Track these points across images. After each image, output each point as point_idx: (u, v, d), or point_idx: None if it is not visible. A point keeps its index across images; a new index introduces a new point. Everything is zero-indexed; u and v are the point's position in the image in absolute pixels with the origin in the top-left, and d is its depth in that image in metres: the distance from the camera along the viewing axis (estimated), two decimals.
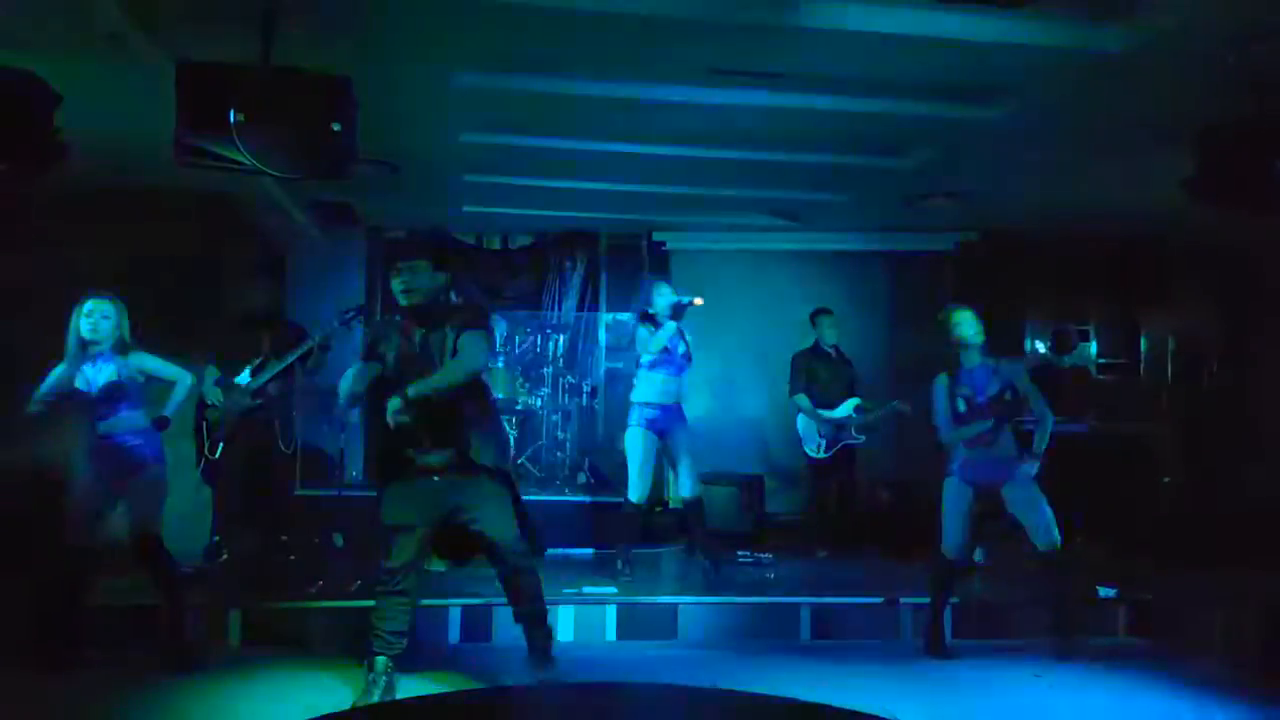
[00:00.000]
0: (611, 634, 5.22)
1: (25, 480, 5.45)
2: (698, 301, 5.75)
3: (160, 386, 4.67)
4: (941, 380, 4.91)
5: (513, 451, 7.81)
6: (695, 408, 6.50)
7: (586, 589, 5.38)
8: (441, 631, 5.06)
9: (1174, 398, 8.21)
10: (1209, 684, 4.51)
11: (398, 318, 4.08)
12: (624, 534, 5.99)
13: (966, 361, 4.90)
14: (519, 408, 8.02)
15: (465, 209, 7.40)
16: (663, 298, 5.84)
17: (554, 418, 8.43)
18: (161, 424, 4.60)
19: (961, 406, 4.86)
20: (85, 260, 5.75)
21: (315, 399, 6.14)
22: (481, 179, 6.52)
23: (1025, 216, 7.54)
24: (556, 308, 8.79)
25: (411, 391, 3.77)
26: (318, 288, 7.51)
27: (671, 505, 7.26)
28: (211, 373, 5.77)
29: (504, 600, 4.24)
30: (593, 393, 8.54)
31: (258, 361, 5.74)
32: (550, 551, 6.60)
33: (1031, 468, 4.83)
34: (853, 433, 6.92)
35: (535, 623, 4.16)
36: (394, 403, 3.76)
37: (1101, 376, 8.38)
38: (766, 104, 4.90)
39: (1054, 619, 5.00)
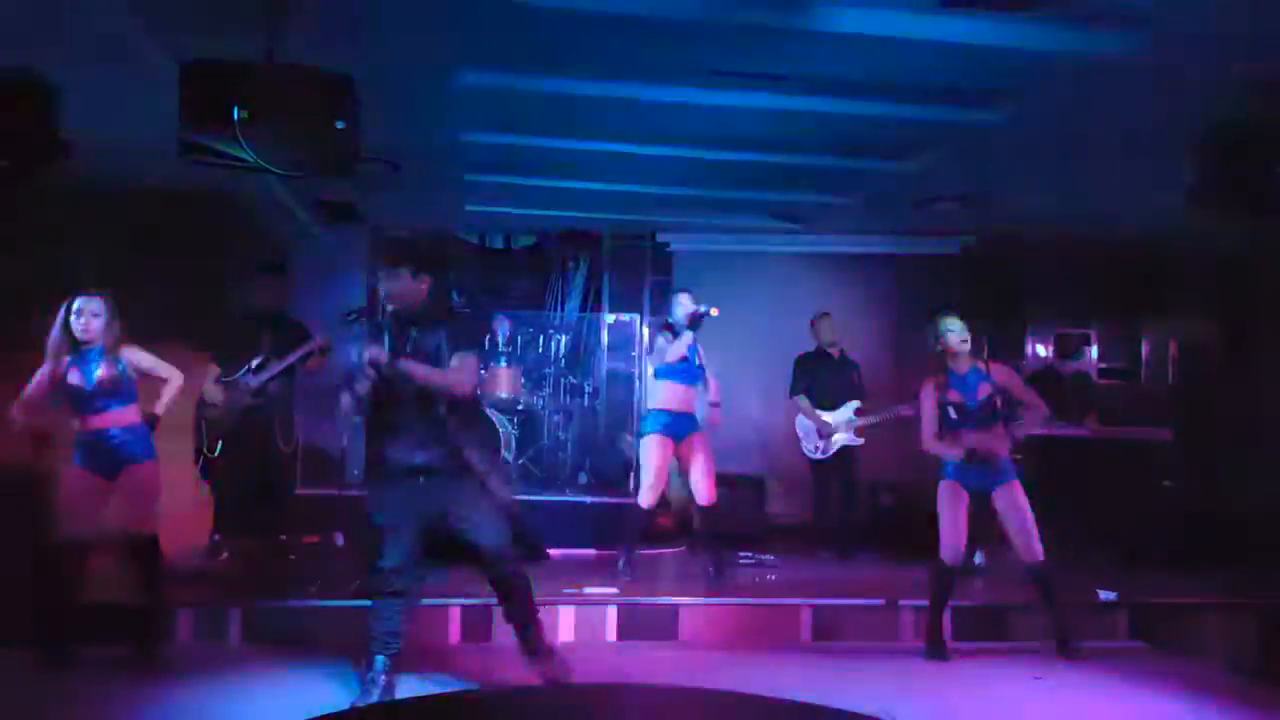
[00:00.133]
0: (612, 634, 5.22)
1: (17, 476, 5.47)
2: (714, 312, 5.75)
3: (152, 384, 4.68)
4: (929, 389, 4.94)
5: (514, 451, 7.82)
6: (698, 409, 6.48)
7: (587, 589, 5.37)
8: (441, 631, 5.05)
9: (1175, 403, 8.20)
10: (1209, 688, 4.51)
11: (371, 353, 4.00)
12: (628, 535, 5.98)
13: (956, 368, 4.93)
14: (520, 407, 8.02)
15: (468, 208, 7.39)
16: (681, 308, 5.86)
17: (555, 418, 8.44)
18: (153, 421, 4.61)
19: (953, 413, 4.88)
20: (87, 258, 5.75)
21: (316, 399, 6.14)
22: (484, 178, 6.52)
23: (1029, 220, 7.53)
24: (559, 308, 8.79)
25: (401, 364, 3.84)
26: (320, 286, 7.50)
27: (674, 508, 7.27)
28: (212, 371, 5.77)
29: None
30: (594, 393, 8.54)
31: (259, 360, 5.74)
32: (551, 551, 6.65)
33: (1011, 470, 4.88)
34: (852, 434, 6.93)
35: (525, 624, 4.15)
36: (377, 352, 3.82)
37: (1103, 381, 8.38)
38: (770, 106, 4.90)
39: (1045, 626, 5.03)
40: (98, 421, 4.43)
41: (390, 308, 4.06)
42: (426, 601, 4.75)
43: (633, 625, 5.24)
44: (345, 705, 3.88)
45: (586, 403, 8.53)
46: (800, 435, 7.04)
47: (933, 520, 4.96)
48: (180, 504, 5.55)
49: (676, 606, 5.32)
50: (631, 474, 8.20)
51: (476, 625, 5.09)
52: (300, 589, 5.25)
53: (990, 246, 8.42)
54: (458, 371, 3.96)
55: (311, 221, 7.56)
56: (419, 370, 3.89)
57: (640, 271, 8.82)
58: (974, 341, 5.01)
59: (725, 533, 6.21)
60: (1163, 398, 8.30)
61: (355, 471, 7.61)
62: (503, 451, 7.60)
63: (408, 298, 4.02)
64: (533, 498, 7.29)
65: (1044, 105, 4.78)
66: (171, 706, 3.97)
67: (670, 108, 4.94)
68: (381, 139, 5.16)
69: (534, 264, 8.83)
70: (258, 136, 3.64)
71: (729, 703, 2.68)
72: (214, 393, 5.71)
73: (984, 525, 5.12)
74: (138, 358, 4.58)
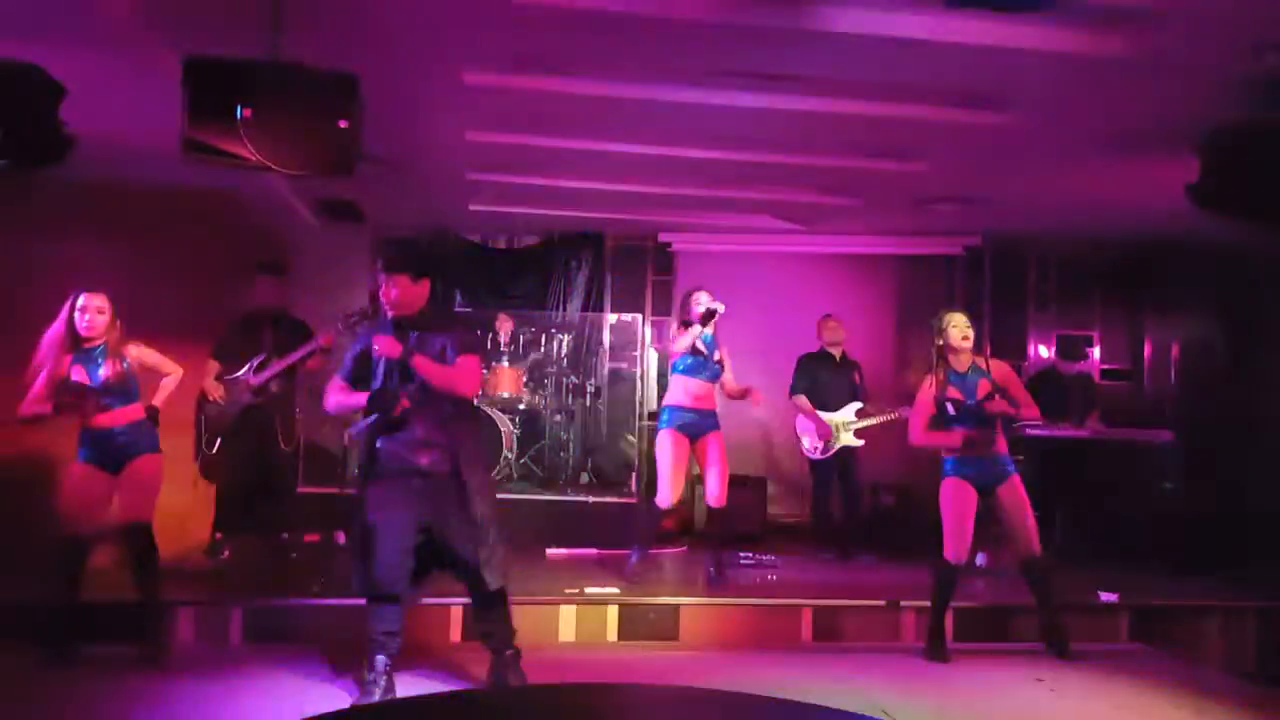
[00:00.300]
0: (612, 634, 5.22)
1: (22, 474, 5.47)
2: (720, 307, 5.74)
3: (155, 378, 4.70)
4: (928, 384, 4.94)
5: (516, 451, 7.82)
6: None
7: (587, 589, 5.37)
8: (441, 631, 5.05)
9: (1177, 404, 8.20)
10: (1210, 690, 4.51)
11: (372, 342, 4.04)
12: (641, 535, 5.95)
13: (957, 365, 4.93)
14: (522, 407, 8.03)
15: (471, 207, 7.40)
16: (696, 305, 5.83)
17: (557, 417, 8.44)
18: (154, 413, 4.63)
19: (951, 410, 4.89)
20: (89, 255, 5.76)
21: (317, 398, 6.14)
22: (487, 178, 6.52)
23: (1032, 221, 7.53)
24: (561, 308, 8.79)
25: (414, 359, 3.84)
26: (322, 285, 7.49)
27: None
28: (211, 368, 5.78)
29: None
30: (596, 393, 8.54)
31: (260, 359, 5.75)
32: (552, 551, 6.66)
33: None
34: (851, 435, 6.93)
35: (492, 633, 4.11)
36: (395, 345, 3.83)
37: (1105, 382, 8.38)
38: (774, 107, 4.89)
39: (1042, 621, 5.03)
40: (103, 420, 4.43)
41: (391, 314, 4.03)
42: (426, 601, 4.76)
43: (633, 625, 5.24)
44: (345, 705, 3.89)
45: (588, 403, 8.54)
46: (800, 435, 7.04)
47: (935, 522, 4.96)
48: (181, 502, 5.56)
49: (677, 606, 5.32)
50: (633, 474, 8.22)
51: None
52: (301, 588, 5.25)
53: (992, 247, 8.42)
54: (464, 371, 3.96)
55: (314, 220, 7.57)
56: (431, 368, 3.89)
57: (642, 271, 8.84)
58: (975, 340, 5.01)
59: (726, 533, 6.20)
60: (1164, 400, 8.31)
61: (356, 471, 7.59)
62: (505, 451, 7.60)
63: (409, 302, 4.01)
64: (534, 497, 7.30)
65: (1049, 106, 4.78)
66: (171, 705, 3.96)
67: (675, 107, 4.93)
68: (385, 138, 5.16)
69: (536, 264, 8.83)
70: (260, 135, 3.64)
71: (729, 703, 2.68)
72: (214, 390, 5.72)
73: (985, 527, 5.12)
74: (142, 354, 4.59)
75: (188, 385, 5.00)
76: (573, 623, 5.18)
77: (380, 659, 3.92)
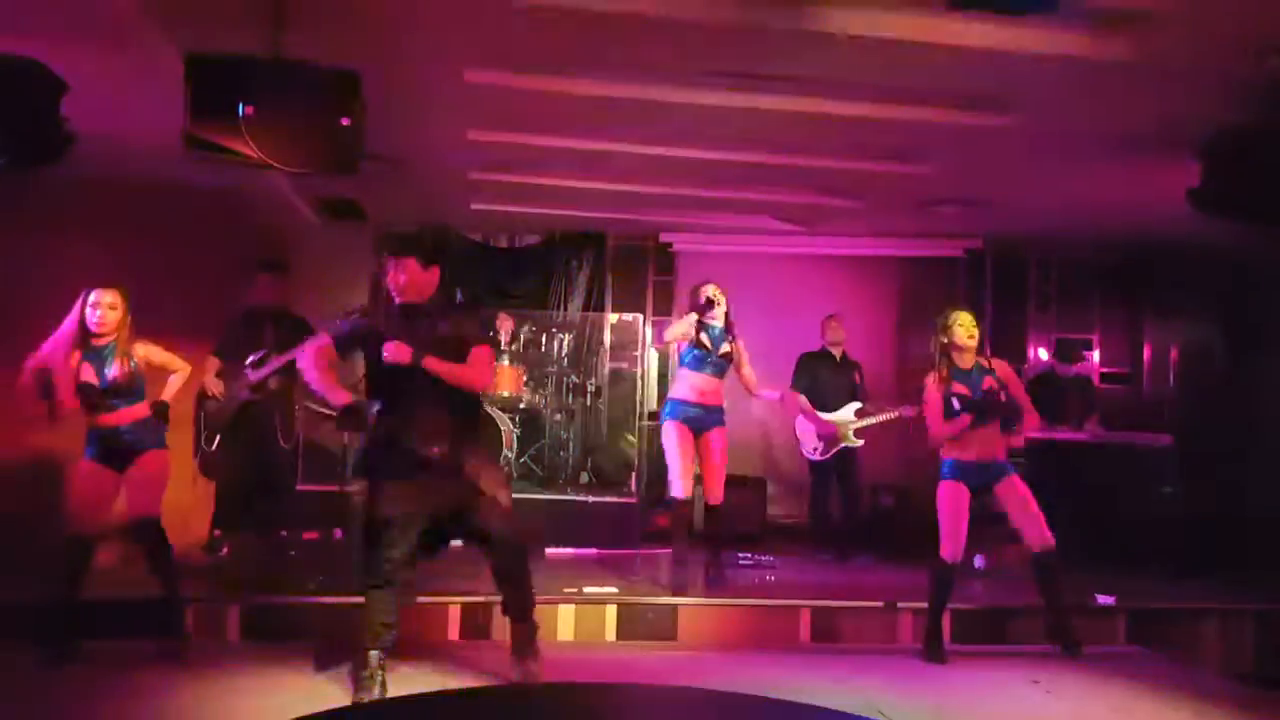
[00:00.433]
0: (612, 634, 5.22)
1: (29, 470, 5.46)
2: (718, 299, 5.72)
3: (159, 376, 4.69)
4: (933, 381, 4.93)
5: (516, 450, 7.82)
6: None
7: (587, 589, 5.38)
8: (440, 629, 5.05)
9: (1176, 408, 8.20)
10: (1207, 693, 4.51)
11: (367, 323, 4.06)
12: (677, 533, 5.83)
13: (961, 363, 4.93)
14: (523, 406, 8.02)
15: (472, 206, 7.40)
16: (700, 297, 5.81)
17: (557, 417, 8.44)
18: (163, 409, 4.62)
19: (956, 405, 4.88)
20: (90, 251, 5.76)
21: (317, 396, 6.14)
22: (489, 176, 6.52)
23: (1033, 224, 7.53)
24: (562, 307, 8.79)
25: (426, 362, 3.83)
26: (323, 283, 7.49)
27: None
28: (211, 364, 5.78)
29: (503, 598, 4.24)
30: (597, 393, 8.54)
31: (259, 355, 5.75)
32: (552, 551, 6.65)
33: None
34: (851, 435, 6.93)
35: (522, 616, 4.18)
36: (404, 350, 3.82)
37: (1104, 385, 8.38)
38: (775, 108, 4.90)
39: (1049, 621, 5.02)
40: (111, 418, 4.44)
41: (399, 300, 4.03)
42: (426, 599, 4.77)
43: (631, 625, 5.24)
44: (344, 702, 3.89)
45: (589, 402, 8.53)
46: (800, 436, 7.04)
47: (934, 524, 4.96)
48: (180, 498, 5.56)
49: (676, 606, 5.32)
50: (633, 474, 8.22)
51: (475, 623, 5.09)
52: (300, 585, 5.26)
53: (993, 250, 8.42)
54: (477, 364, 3.96)
55: (315, 218, 7.57)
56: (444, 368, 3.88)
57: (643, 271, 8.83)
58: (978, 341, 5.00)
59: (725, 533, 6.19)
60: (1163, 403, 8.31)
61: (361, 456, 7.58)
62: (505, 450, 7.60)
63: (418, 288, 4.00)
64: (534, 496, 7.29)
65: (1052, 109, 4.78)
66: (168, 702, 3.96)
67: (677, 108, 4.94)
68: (387, 136, 5.16)
69: (538, 263, 8.82)
70: (262, 132, 3.65)
71: (726, 703, 2.69)
72: (214, 386, 5.72)
73: (982, 530, 5.12)
74: (150, 353, 4.59)
75: (189, 382, 5.00)
76: (571, 622, 5.18)
77: (374, 654, 3.93)
